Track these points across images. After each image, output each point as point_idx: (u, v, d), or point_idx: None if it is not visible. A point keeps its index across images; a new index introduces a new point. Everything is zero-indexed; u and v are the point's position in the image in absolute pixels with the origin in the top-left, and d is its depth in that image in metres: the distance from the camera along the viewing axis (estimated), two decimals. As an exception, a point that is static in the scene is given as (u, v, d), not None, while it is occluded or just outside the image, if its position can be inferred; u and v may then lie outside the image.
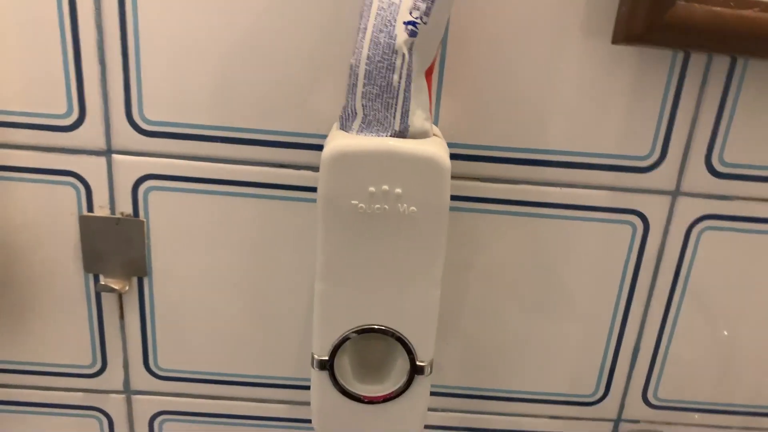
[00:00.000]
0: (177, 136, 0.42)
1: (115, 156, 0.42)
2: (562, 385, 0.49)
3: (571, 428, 0.50)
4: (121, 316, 0.46)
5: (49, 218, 0.43)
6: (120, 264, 0.44)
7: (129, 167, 0.42)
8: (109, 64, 0.40)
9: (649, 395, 0.49)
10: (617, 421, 0.50)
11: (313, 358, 0.38)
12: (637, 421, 0.50)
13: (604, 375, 0.49)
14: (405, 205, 0.35)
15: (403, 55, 0.34)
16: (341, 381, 0.39)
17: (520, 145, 0.42)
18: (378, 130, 0.35)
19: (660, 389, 0.49)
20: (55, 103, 0.41)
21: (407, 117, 0.35)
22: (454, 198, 0.37)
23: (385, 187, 0.34)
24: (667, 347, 0.48)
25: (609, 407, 0.50)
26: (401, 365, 0.39)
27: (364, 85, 0.34)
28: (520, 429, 0.50)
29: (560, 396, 0.49)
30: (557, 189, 0.43)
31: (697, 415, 0.50)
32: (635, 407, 0.50)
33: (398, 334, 0.37)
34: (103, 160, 0.42)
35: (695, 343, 0.48)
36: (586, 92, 0.41)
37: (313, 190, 0.43)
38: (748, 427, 0.51)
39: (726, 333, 0.48)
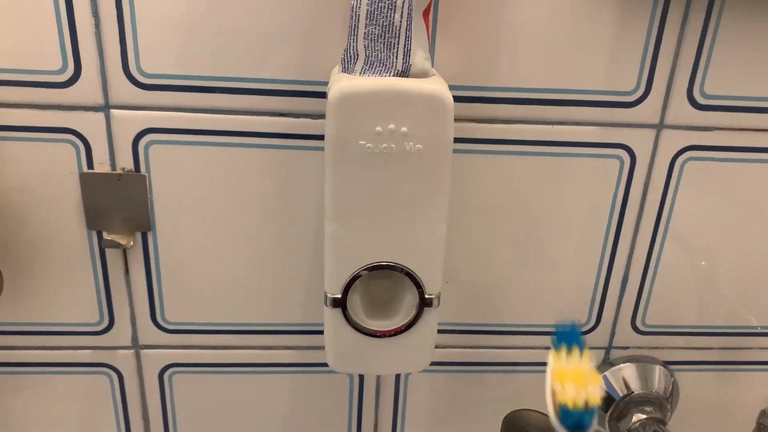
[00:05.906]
0: (175, 89, 0.42)
1: (113, 111, 0.42)
2: (556, 317, 0.51)
3: (565, 357, 0.53)
4: (126, 272, 0.47)
5: (49, 177, 0.43)
6: (123, 220, 0.45)
7: (128, 122, 0.42)
8: (102, 15, 0.40)
9: (638, 322, 0.52)
10: (608, 349, 0.53)
11: (326, 296, 0.39)
12: (627, 348, 0.53)
13: (596, 305, 0.51)
14: (411, 143, 0.36)
15: (405, -7, 0.34)
16: (353, 317, 0.40)
17: (514, 85, 0.43)
18: (381, 70, 0.36)
19: (647, 316, 0.52)
20: (50, 59, 0.40)
21: (409, 56, 0.36)
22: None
23: (392, 126, 0.35)
24: (654, 276, 0.50)
25: (600, 336, 0.52)
26: (410, 300, 0.40)
27: (366, 25, 0.35)
28: (517, 361, 0.53)
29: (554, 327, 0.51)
30: (549, 127, 0.45)
31: (681, 338, 0.53)
32: (625, 334, 0.52)
33: (407, 270, 0.39)
34: (101, 115, 0.42)
35: (678, 272, 0.50)
36: (573, 30, 0.42)
37: (313, 138, 0.43)
38: (726, 347, 0.54)
39: (704, 263, 0.51)
